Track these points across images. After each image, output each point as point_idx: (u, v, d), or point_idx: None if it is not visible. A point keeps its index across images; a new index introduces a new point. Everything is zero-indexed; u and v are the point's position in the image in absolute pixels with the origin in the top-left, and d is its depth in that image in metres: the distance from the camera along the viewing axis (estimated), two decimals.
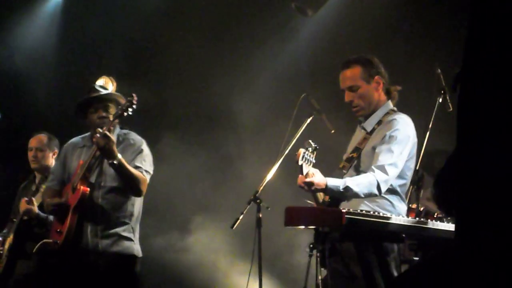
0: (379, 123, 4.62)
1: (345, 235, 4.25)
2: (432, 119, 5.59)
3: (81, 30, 8.74)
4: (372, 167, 4.35)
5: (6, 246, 6.50)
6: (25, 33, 8.55)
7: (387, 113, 4.64)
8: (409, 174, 4.59)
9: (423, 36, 7.46)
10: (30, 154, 6.74)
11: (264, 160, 6.72)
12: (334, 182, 4.19)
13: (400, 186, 4.53)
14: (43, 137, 6.80)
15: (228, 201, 7.86)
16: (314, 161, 4.21)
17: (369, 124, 4.65)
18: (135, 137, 5.48)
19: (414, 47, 7.36)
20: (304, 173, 4.13)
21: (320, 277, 4.83)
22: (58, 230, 5.25)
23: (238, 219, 5.97)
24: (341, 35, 7.80)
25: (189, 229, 8.10)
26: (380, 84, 4.64)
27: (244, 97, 8.17)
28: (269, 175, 5.92)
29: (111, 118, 5.26)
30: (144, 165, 5.33)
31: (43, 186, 6.30)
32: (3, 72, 8.46)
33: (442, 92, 5.71)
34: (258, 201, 5.97)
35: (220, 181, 8.19)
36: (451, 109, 5.73)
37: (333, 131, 6.04)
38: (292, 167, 6.93)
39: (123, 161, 5.14)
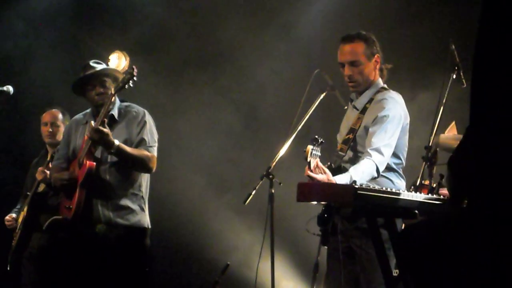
0: (370, 101, 4.70)
1: (356, 211, 4.27)
2: (445, 95, 5.58)
3: (95, 3, 8.72)
4: (368, 150, 4.45)
5: (20, 219, 6.54)
6: (36, 5, 8.52)
7: (378, 91, 4.72)
8: (405, 151, 4.71)
9: (437, 12, 7.41)
10: (45, 129, 6.75)
11: (277, 136, 6.72)
12: (342, 180, 4.26)
13: (396, 164, 4.64)
14: (57, 112, 6.82)
15: (241, 177, 7.88)
16: (320, 154, 4.29)
17: (361, 102, 4.73)
18: (137, 108, 5.47)
19: (428, 23, 7.31)
20: (312, 167, 4.20)
21: (318, 257, 4.91)
22: (67, 206, 5.27)
23: (250, 194, 6.00)
24: (355, 10, 7.76)
25: (201, 204, 8.12)
26: (378, 63, 4.72)
27: (257, 72, 8.15)
28: (282, 151, 5.93)
29: (112, 91, 5.26)
30: (149, 139, 5.33)
31: None
32: (12, 48, 8.45)
33: (456, 68, 5.69)
34: (270, 176, 5.99)
35: (233, 157, 8.20)
36: (464, 85, 5.72)
37: (346, 107, 6.04)
38: (305, 143, 6.95)
39: (122, 146, 5.14)
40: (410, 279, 3.42)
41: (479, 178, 2.15)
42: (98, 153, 5.28)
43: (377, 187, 4.13)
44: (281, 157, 5.95)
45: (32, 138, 7.45)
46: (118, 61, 8.07)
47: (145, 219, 5.38)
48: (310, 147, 4.25)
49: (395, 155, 4.59)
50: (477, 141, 2.16)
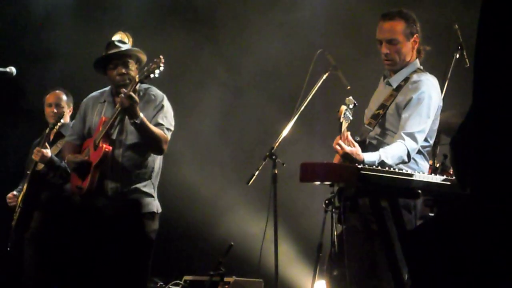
0: (406, 80, 4.61)
1: (360, 191, 4.26)
2: (448, 75, 5.58)
3: None
4: (402, 134, 4.39)
5: (20, 197, 6.55)
6: None
7: (414, 71, 4.63)
8: (434, 135, 4.64)
9: None
10: (49, 110, 6.74)
11: (281, 116, 6.71)
12: (370, 158, 4.22)
13: (423, 147, 4.57)
14: (60, 93, 6.81)
15: (244, 157, 7.89)
16: (351, 118, 4.28)
17: (396, 80, 4.64)
18: (156, 92, 5.41)
19: (431, 3, 7.28)
20: (342, 130, 4.19)
21: (335, 233, 4.86)
22: (78, 185, 5.27)
23: (253, 175, 6.00)
24: None
25: (204, 185, 8.13)
26: (416, 44, 4.63)
27: (260, 52, 8.13)
28: (285, 131, 5.93)
29: (131, 73, 5.23)
30: (165, 123, 5.29)
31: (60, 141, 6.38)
32: (19, 28, 8.44)
33: (459, 47, 5.68)
34: (273, 157, 5.99)
35: (235, 138, 8.20)
36: (468, 65, 5.71)
37: (348, 87, 6.03)
38: (307, 123, 6.94)
39: (145, 120, 5.10)
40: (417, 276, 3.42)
41: (481, 170, 2.15)
42: (113, 135, 5.25)
43: (400, 166, 4.13)
44: (284, 138, 5.95)
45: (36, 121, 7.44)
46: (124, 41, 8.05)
47: (155, 203, 5.36)
48: (343, 107, 4.23)
49: (425, 139, 4.52)
50: (480, 118, 2.15)
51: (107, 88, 5.50)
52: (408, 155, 4.37)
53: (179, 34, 8.32)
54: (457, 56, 5.62)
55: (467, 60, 5.66)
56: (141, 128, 5.11)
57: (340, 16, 7.85)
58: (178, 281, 7.23)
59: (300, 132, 6.70)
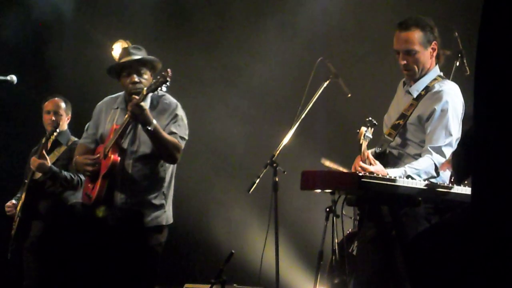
0: (426, 88, 4.52)
1: (361, 199, 4.25)
2: None
3: None
4: (429, 148, 4.31)
5: (19, 207, 6.53)
6: None
7: (435, 79, 4.55)
8: (457, 143, 4.48)
9: None
10: (48, 117, 6.71)
11: (281, 124, 6.72)
12: (395, 174, 4.16)
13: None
14: (59, 100, 6.78)
15: (245, 165, 7.89)
16: (371, 137, 4.24)
17: (416, 89, 4.55)
18: (170, 100, 5.32)
19: (431, 10, 7.29)
20: (362, 149, 4.16)
21: (336, 241, 4.87)
22: (88, 193, 5.19)
23: (254, 182, 6.01)
24: None
25: (206, 193, 8.13)
26: (435, 50, 4.53)
27: (261, 60, 8.14)
28: (286, 139, 5.94)
29: (145, 82, 5.15)
30: (179, 131, 5.20)
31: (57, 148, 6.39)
32: (21, 35, 8.45)
33: (460, 55, 5.69)
34: (274, 165, 6.00)
35: (236, 145, 8.20)
36: (468, 73, 5.72)
37: (349, 95, 6.05)
38: (308, 131, 6.95)
39: (159, 127, 5.01)
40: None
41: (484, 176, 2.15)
42: (125, 144, 5.15)
43: (400, 175, 4.10)
44: (285, 145, 5.95)
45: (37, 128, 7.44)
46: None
47: (164, 216, 5.22)
48: (363, 129, 4.19)
49: None
50: (481, 127, 2.16)
51: (121, 93, 5.40)
52: (437, 169, 4.29)
53: (182, 40, 8.35)
54: (457, 63, 5.62)
55: (467, 67, 5.66)
56: (154, 136, 5.02)
57: (341, 24, 7.87)
58: None
59: (301, 140, 6.71)
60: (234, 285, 6.91)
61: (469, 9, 6.19)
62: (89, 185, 5.24)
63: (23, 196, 6.50)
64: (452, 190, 4.13)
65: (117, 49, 7.92)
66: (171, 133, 5.15)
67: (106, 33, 8.17)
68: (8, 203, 6.68)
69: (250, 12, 8.32)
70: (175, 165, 5.30)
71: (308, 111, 5.88)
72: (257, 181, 6.00)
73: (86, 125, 5.59)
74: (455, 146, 4.38)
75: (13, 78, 5.48)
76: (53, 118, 6.67)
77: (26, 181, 6.52)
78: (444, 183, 4.20)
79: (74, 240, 5.37)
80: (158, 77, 5.01)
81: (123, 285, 5.14)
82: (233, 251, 6.85)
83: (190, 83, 8.35)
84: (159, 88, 4.99)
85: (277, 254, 6.06)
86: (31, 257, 6.43)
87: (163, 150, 5.10)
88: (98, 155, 5.21)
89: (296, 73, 7.59)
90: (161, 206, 5.21)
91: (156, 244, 5.21)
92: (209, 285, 6.67)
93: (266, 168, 6.02)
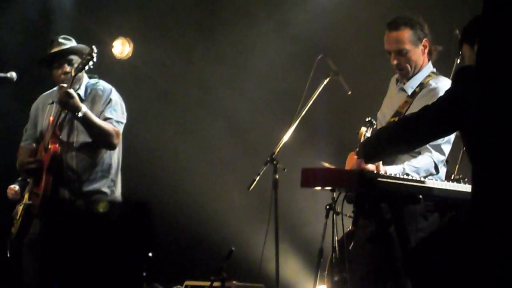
0: (421, 85, 4.55)
1: (361, 196, 4.25)
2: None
3: None
4: (428, 146, 4.32)
5: (21, 206, 6.50)
6: None
7: (428, 76, 4.58)
8: (452, 139, 4.55)
9: None
10: None
11: (282, 121, 6.72)
12: (393, 171, 4.17)
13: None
14: None
15: (245, 163, 7.88)
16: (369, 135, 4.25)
17: (410, 86, 4.58)
18: (103, 86, 5.25)
19: (432, 9, 7.29)
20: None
21: (336, 239, 4.86)
22: (35, 191, 5.14)
23: (254, 180, 6.01)
24: None
25: (206, 190, 8.13)
26: (426, 47, 4.57)
27: (260, 58, 8.14)
28: (286, 137, 5.94)
29: (72, 72, 5.06)
30: (115, 116, 5.13)
31: None
32: (16, 33, 8.44)
33: (461, 53, 5.68)
34: (274, 162, 6.00)
35: (237, 142, 8.20)
36: None
37: (349, 92, 6.05)
38: (308, 128, 6.94)
39: (89, 113, 4.95)
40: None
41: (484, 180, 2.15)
42: (64, 136, 5.09)
43: (398, 173, 4.10)
44: (285, 143, 5.95)
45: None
46: (122, 48, 8.05)
47: (115, 201, 5.20)
48: (363, 129, 4.22)
49: None
50: (481, 125, 2.16)
51: (56, 88, 5.32)
52: (436, 167, 4.33)
53: (182, 37, 8.34)
54: (458, 61, 5.61)
55: None
56: (86, 122, 4.96)
57: (341, 21, 7.86)
58: (179, 286, 7.23)
59: (301, 137, 6.70)
60: (234, 282, 6.91)
61: (469, 7, 6.18)
62: (34, 184, 5.18)
63: (27, 196, 6.47)
64: (451, 188, 4.13)
65: (117, 46, 7.93)
66: (107, 118, 5.10)
67: (106, 31, 8.17)
68: (11, 187, 6.59)
69: (250, 9, 8.31)
70: (121, 149, 5.25)
71: (308, 108, 5.88)
72: (257, 179, 6.00)
73: (24, 128, 5.56)
74: (452, 142, 4.41)
75: (13, 75, 5.47)
76: None
77: (29, 180, 6.48)
78: (441, 180, 4.20)
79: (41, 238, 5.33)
80: (84, 55, 4.98)
81: (113, 268, 5.10)
82: (233, 248, 6.85)
83: (189, 81, 8.35)
84: (86, 67, 4.96)
85: (277, 251, 6.07)
86: (30, 255, 6.41)
87: (98, 136, 5.05)
88: (39, 153, 5.15)
89: (296, 70, 7.58)
90: (111, 193, 5.18)
91: (113, 223, 5.19)
92: (209, 282, 6.68)
93: (266, 166, 6.02)
